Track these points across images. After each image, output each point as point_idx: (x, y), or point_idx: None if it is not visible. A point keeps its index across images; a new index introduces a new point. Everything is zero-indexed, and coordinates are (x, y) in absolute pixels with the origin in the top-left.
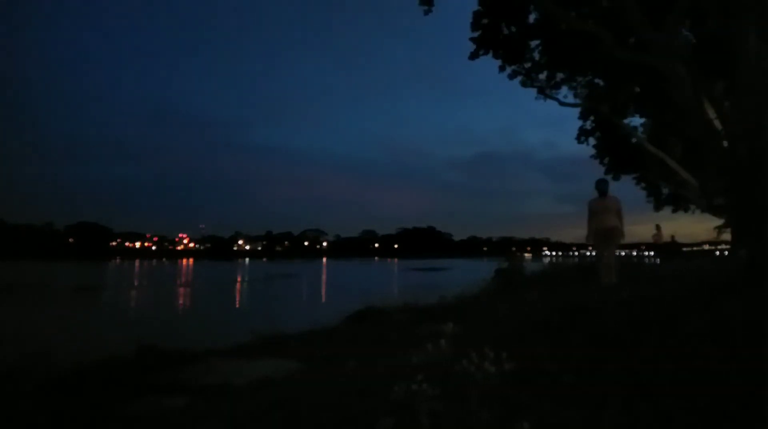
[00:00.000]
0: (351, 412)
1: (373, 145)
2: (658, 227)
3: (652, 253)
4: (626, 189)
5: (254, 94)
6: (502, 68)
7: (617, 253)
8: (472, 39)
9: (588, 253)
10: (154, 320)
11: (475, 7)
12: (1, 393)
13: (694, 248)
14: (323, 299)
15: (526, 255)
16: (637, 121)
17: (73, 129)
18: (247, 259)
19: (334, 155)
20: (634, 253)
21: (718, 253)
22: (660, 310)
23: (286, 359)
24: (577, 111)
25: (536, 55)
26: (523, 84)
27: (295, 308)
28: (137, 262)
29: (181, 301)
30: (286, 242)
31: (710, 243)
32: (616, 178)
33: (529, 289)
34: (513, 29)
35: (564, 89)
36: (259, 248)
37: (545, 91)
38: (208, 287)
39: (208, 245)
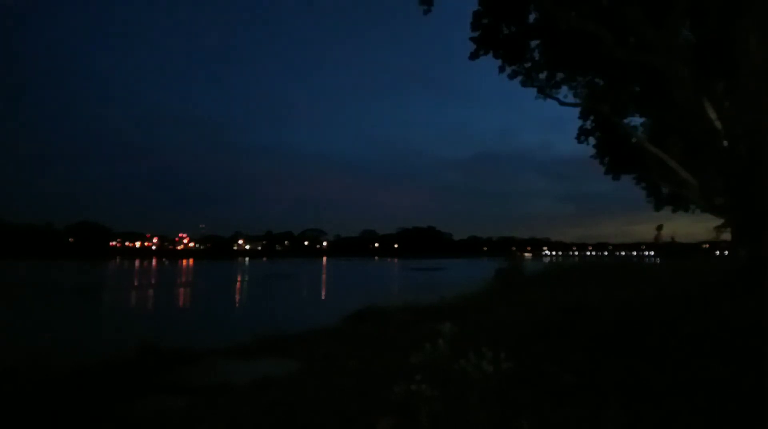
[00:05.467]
0: (351, 412)
1: (373, 145)
2: (659, 227)
3: (652, 253)
4: (626, 189)
5: (255, 94)
6: (502, 68)
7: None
8: (472, 39)
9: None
10: (154, 320)
11: (475, 7)
12: (2, 392)
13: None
14: (323, 299)
15: (526, 255)
16: (637, 121)
17: (73, 129)
18: (247, 259)
19: (334, 155)
20: (635, 253)
21: (718, 253)
22: (660, 311)
23: (286, 359)
24: (576, 111)
25: (536, 55)
26: (523, 84)
27: (295, 308)
28: (137, 262)
29: (181, 301)
30: (286, 242)
31: (710, 243)
32: (616, 178)
33: (529, 289)
34: (513, 29)
35: (564, 89)
36: (259, 248)
37: (545, 90)
38: (209, 287)
39: (208, 245)
